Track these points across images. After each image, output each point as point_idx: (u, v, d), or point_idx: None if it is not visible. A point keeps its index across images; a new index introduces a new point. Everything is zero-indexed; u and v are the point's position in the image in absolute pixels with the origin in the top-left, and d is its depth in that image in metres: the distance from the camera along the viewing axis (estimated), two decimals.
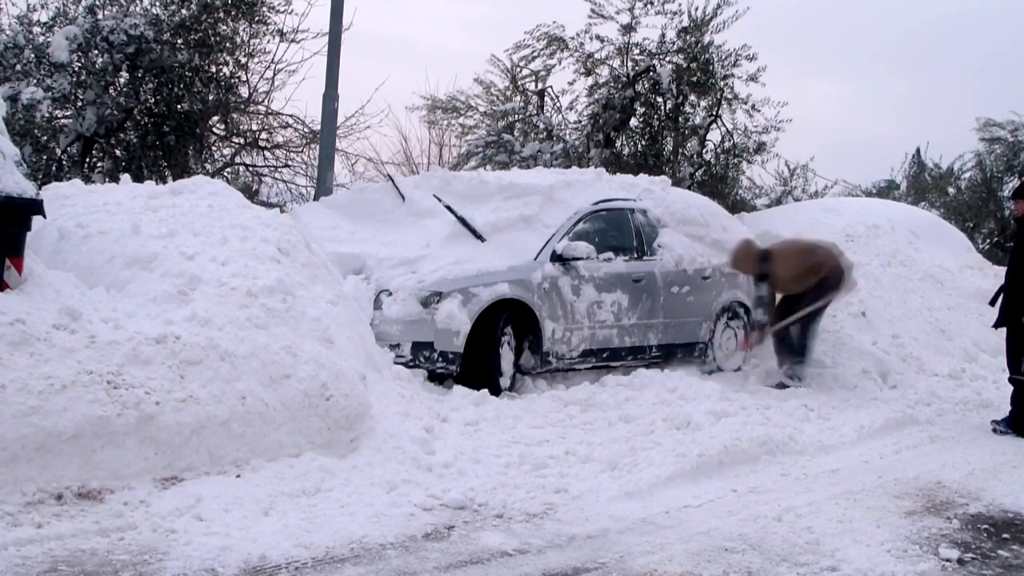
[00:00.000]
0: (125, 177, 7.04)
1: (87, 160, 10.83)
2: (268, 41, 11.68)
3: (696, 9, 12.94)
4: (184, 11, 10.84)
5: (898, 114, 44.04)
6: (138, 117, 10.93)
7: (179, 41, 10.78)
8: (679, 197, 9.04)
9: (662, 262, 8.22)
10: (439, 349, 6.78)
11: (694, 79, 12.90)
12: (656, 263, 8.19)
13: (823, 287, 7.93)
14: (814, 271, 7.92)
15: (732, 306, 8.79)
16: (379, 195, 8.66)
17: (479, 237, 7.62)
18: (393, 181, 8.77)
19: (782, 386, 7.74)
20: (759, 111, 12.98)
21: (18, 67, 10.14)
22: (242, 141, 12.41)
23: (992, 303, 7.33)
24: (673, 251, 8.31)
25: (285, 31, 11.56)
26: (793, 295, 8.03)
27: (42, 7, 10.58)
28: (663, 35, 13.06)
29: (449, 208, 7.94)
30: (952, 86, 46.18)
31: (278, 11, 11.41)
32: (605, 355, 7.81)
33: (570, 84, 13.95)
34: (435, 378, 6.89)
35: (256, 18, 11.29)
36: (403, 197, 8.40)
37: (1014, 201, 7.25)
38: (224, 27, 11.11)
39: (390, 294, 6.90)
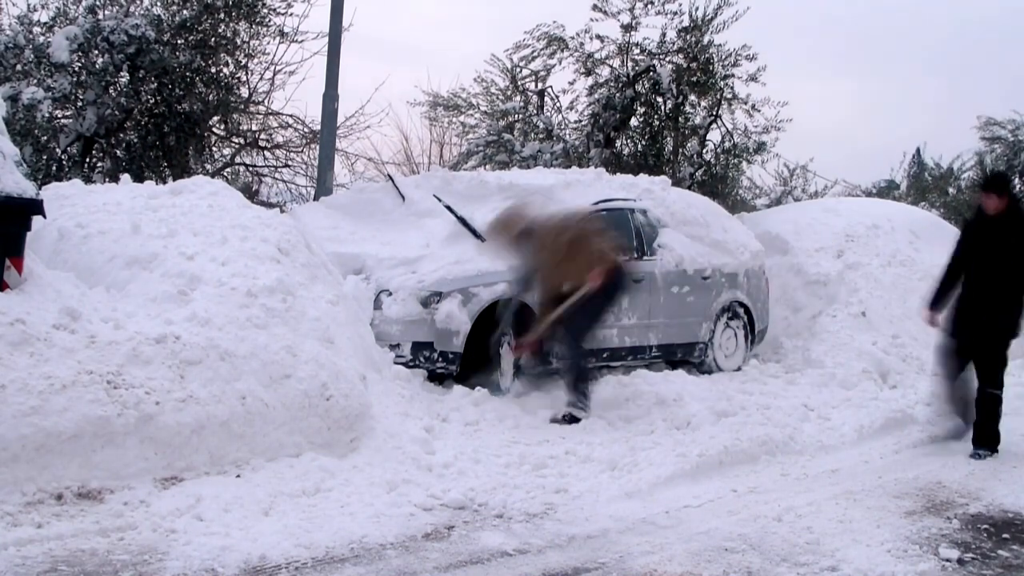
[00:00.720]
0: (125, 177, 7.04)
1: (87, 160, 10.82)
2: (268, 42, 11.70)
3: (696, 9, 12.93)
4: (185, 11, 10.85)
5: (898, 114, 44.04)
6: (138, 117, 10.92)
7: (180, 41, 10.78)
8: (679, 197, 9.05)
9: (662, 262, 8.21)
10: (439, 349, 6.78)
11: (694, 79, 12.87)
12: (656, 263, 8.17)
13: (599, 294, 6.27)
14: (576, 268, 6.23)
15: (732, 306, 8.78)
16: (379, 195, 8.66)
17: (479, 237, 7.61)
18: (393, 181, 8.77)
19: (572, 419, 6.20)
20: (759, 111, 12.93)
21: (18, 67, 10.13)
22: (242, 141, 12.40)
23: None
24: (673, 251, 8.30)
25: (286, 31, 11.58)
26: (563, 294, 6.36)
27: (42, 7, 10.58)
28: (663, 35, 13.04)
29: (449, 208, 7.93)
30: (952, 86, 46.21)
31: (278, 12, 11.42)
32: (605, 355, 7.79)
33: (570, 84, 13.93)
34: (435, 378, 6.89)
35: (256, 19, 11.28)
36: (403, 197, 8.40)
37: (985, 194, 6.07)
38: (225, 28, 11.11)
39: (390, 294, 6.90)
